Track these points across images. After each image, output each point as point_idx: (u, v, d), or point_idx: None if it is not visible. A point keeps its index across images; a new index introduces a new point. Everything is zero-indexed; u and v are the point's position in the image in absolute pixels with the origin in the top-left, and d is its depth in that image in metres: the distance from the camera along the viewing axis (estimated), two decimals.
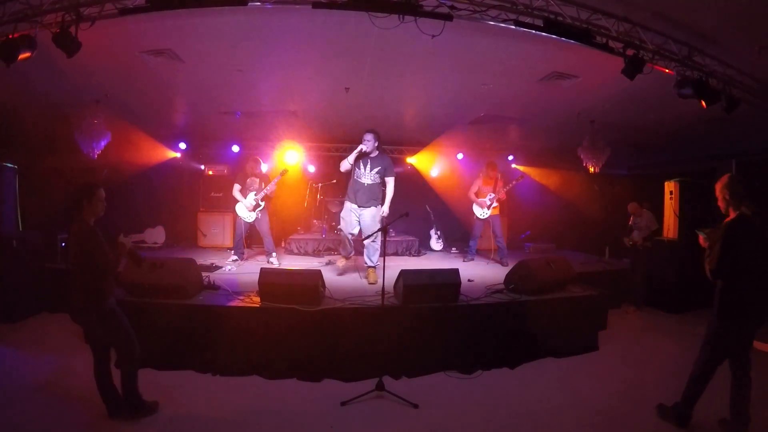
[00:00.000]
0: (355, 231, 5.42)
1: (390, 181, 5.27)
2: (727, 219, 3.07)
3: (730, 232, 2.97)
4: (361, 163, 5.23)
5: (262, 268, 4.33)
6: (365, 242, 5.31)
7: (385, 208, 5.21)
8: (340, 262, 5.76)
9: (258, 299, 4.26)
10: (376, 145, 5.16)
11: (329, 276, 5.36)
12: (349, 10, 3.32)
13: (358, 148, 5.09)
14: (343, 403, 3.48)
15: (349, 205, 5.34)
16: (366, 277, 5.43)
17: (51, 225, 5.77)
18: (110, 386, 3.14)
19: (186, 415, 3.29)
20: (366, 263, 5.43)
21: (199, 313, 4.10)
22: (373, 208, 5.29)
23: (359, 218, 5.33)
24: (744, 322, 3.03)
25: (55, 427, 3.03)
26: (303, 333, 4.01)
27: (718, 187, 3.15)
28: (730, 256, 2.94)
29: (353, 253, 5.79)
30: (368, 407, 3.47)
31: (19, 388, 3.57)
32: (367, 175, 5.24)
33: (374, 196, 5.31)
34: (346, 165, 5.23)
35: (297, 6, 3.41)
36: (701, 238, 3.27)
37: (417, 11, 3.34)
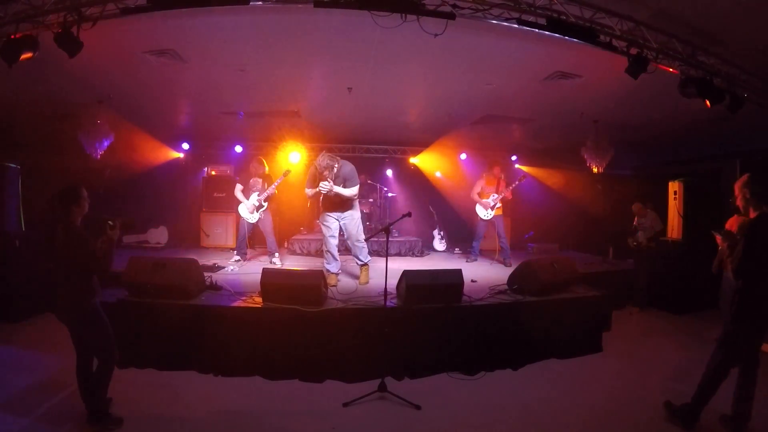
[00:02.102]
0: (336, 233, 5.34)
1: (354, 189, 5.14)
2: (749, 218, 3.01)
3: (754, 230, 2.89)
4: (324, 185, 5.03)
5: (264, 269, 4.32)
6: (351, 243, 5.30)
7: (334, 188, 4.98)
8: (332, 280, 5.14)
9: (260, 300, 4.25)
10: (334, 166, 4.93)
11: None
12: (351, 8, 3.30)
13: (319, 188, 4.93)
14: (345, 404, 3.47)
15: (327, 213, 5.29)
16: (358, 278, 5.38)
17: None
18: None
19: (188, 415, 3.29)
20: (357, 263, 5.39)
21: (202, 313, 4.09)
22: (349, 211, 5.25)
23: (340, 223, 5.29)
24: (760, 324, 3.00)
25: (57, 427, 3.02)
26: (305, 333, 4.00)
27: (738, 186, 3.09)
28: (754, 255, 2.86)
29: (339, 266, 5.48)
30: (370, 408, 3.46)
31: (21, 388, 3.57)
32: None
33: (347, 203, 5.22)
34: (310, 193, 5.15)
35: (299, 5, 3.40)
36: (718, 238, 3.22)
37: (419, 10, 3.32)
